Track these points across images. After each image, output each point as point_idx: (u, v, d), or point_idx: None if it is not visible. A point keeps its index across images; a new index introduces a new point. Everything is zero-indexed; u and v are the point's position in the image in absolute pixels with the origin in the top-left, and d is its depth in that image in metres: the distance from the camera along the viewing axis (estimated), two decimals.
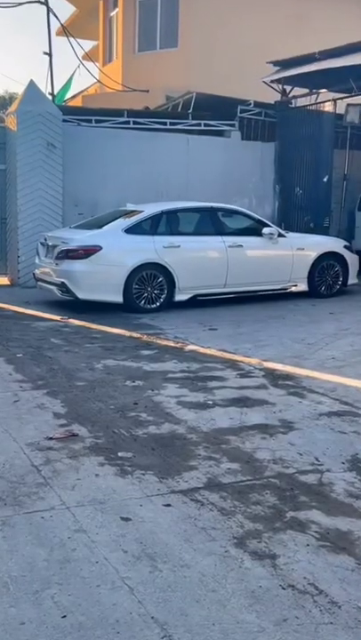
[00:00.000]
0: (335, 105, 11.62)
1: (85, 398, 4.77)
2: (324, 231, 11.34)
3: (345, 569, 2.61)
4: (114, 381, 5.23)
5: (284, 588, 2.48)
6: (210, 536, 2.83)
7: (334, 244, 9.75)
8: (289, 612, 2.34)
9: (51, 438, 3.94)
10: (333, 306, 8.78)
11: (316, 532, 2.89)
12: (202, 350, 6.32)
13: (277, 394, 4.93)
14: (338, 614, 2.34)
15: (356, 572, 2.59)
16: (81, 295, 8.06)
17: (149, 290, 8.29)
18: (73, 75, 17.32)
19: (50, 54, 12.64)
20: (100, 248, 8.05)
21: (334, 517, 3.01)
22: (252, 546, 2.76)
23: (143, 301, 8.28)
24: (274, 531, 2.89)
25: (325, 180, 11.68)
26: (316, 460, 3.67)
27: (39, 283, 8.84)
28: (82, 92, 18.47)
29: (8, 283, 10.88)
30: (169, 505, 3.11)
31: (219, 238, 8.78)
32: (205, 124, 12.21)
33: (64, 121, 10.85)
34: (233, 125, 12.38)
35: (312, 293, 9.32)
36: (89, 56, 16.46)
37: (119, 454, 3.71)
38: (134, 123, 11.73)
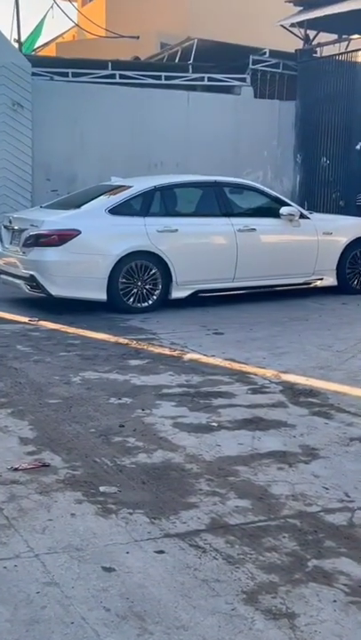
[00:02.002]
0: None
1: (59, 420, 4.78)
2: (357, 211, 11.38)
3: None
4: (95, 398, 5.23)
5: None
6: (213, 590, 2.84)
7: None
8: None
9: (16, 469, 3.95)
10: None
11: (344, 584, 2.89)
12: (204, 359, 6.33)
13: (298, 414, 4.93)
14: None
15: None
16: (54, 291, 8.09)
17: (140, 285, 8.32)
18: (44, 17, 17.37)
19: None
20: (79, 232, 8.07)
21: None
22: (266, 602, 2.77)
23: (132, 299, 8.31)
24: (293, 583, 2.90)
25: (359, 147, 11.72)
26: (346, 495, 3.68)
27: (2, 276, 8.87)
28: (56, 38, 18.56)
29: None
30: (162, 552, 3.11)
31: (226, 220, 8.81)
32: (210, 79, 12.28)
33: (33, 74, 10.91)
34: (244, 80, 12.46)
35: (342, 289, 9.35)
36: None
37: (101, 489, 3.71)
38: (121, 77, 11.78)
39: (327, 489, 3.75)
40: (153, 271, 8.37)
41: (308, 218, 9.28)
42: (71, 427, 4.64)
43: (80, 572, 2.96)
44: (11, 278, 8.64)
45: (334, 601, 2.79)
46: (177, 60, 13.26)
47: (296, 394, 5.37)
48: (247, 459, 4.14)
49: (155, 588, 2.86)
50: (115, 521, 3.39)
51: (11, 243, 8.65)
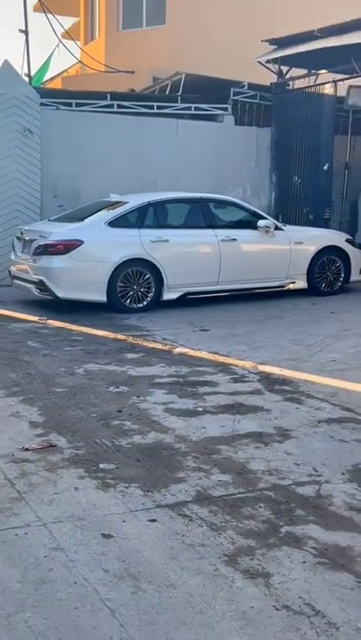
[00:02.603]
0: (336, 87, 11.66)
1: (65, 406, 4.78)
2: (324, 224, 11.39)
3: (344, 587, 2.63)
4: (96, 387, 5.23)
5: (278, 609, 2.49)
6: (198, 553, 2.84)
7: (335, 238, 9.80)
8: (283, 635, 2.35)
9: (26, 449, 3.94)
10: (335, 304, 8.83)
11: (313, 548, 2.90)
12: (192, 353, 6.34)
13: (273, 400, 4.95)
14: (336, 636, 2.35)
15: (355, 591, 2.61)
16: (61, 294, 8.06)
17: (135, 288, 8.31)
18: (52, 54, 17.28)
19: (26, 32, 12.64)
20: (82, 242, 8.05)
21: (333, 532, 3.03)
22: (244, 564, 2.78)
23: (129, 300, 8.29)
24: (268, 547, 2.90)
25: (326, 168, 11.72)
26: (315, 470, 3.69)
27: (15, 280, 8.84)
28: (61, 73, 18.46)
29: None
30: (154, 520, 3.12)
31: (210, 232, 8.81)
32: (196, 108, 12.25)
33: (42, 104, 10.85)
34: (226, 109, 12.42)
35: (312, 291, 9.36)
36: (69, 34, 16.48)
37: (101, 466, 3.71)
38: (118, 106, 11.74)
39: (298, 465, 3.76)
40: (147, 276, 8.35)
41: (282, 229, 9.27)
42: (75, 412, 4.64)
43: (82, 539, 2.96)
44: (23, 283, 8.61)
45: (304, 562, 2.80)
46: (167, 92, 13.22)
47: (271, 382, 5.39)
48: (228, 439, 4.15)
49: (148, 551, 2.86)
50: (113, 494, 3.39)
51: (22, 251, 8.61)
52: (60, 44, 15.96)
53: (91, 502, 3.29)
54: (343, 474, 3.65)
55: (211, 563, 2.78)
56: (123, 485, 3.48)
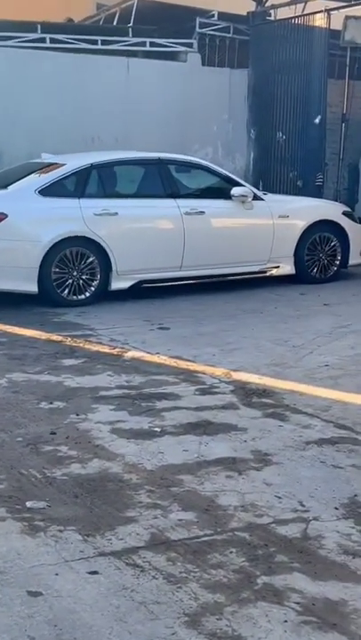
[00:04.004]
0: (329, 18, 11.78)
1: None
2: (316, 192, 11.50)
3: None
4: (23, 403, 5.20)
5: None
6: (152, 613, 2.85)
7: (330, 210, 9.91)
8: None
9: None
10: (329, 294, 8.92)
11: (297, 603, 2.93)
12: (148, 358, 6.34)
13: (250, 416, 4.97)
14: None
15: None
16: None
17: (76, 275, 8.29)
18: None
19: None
20: (5, 216, 8.01)
21: (323, 583, 3.06)
22: (210, 625, 2.79)
23: (67, 291, 8.28)
24: (240, 603, 2.92)
25: (317, 121, 11.82)
26: (301, 504, 3.72)
27: None
28: None
29: None
30: (95, 572, 3.12)
31: (172, 202, 8.83)
32: (152, 44, 12.26)
33: None
34: (190, 45, 12.46)
35: (300, 277, 9.44)
36: None
37: (27, 504, 3.70)
38: (52, 41, 11.68)
39: (280, 498, 3.79)
40: (90, 259, 8.33)
41: (263, 199, 9.33)
42: None
43: (2, 598, 2.94)
44: None
45: (285, 621, 2.82)
46: (115, 23, 13.20)
47: (248, 394, 5.42)
48: (193, 467, 4.16)
49: (86, 612, 2.86)
50: (43, 539, 3.38)
51: None
52: None
53: (14, 551, 3.28)
54: (336, 508, 3.69)
55: (167, 625, 2.79)
56: (56, 529, 3.47)
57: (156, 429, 4.73)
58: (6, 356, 6.41)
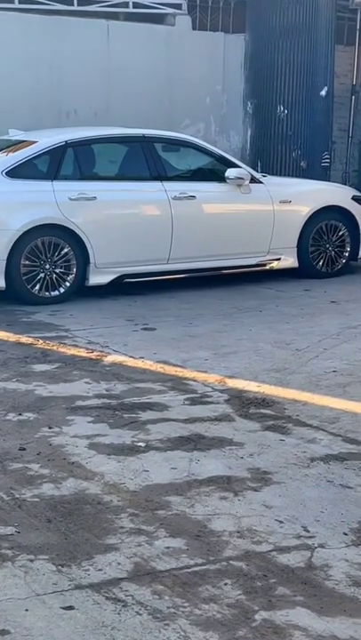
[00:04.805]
0: None
1: None
2: (322, 174, 11.53)
3: None
4: None
5: None
6: None
7: (338, 195, 9.96)
8: None
9: None
10: (337, 291, 8.95)
11: None
12: (130, 363, 6.34)
13: (247, 429, 4.97)
14: None
15: None
16: None
17: (48, 268, 8.30)
18: None
19: None
20: None
21: (330, 619, 3.06)
22: None
23: (38, 286, 8.29)
24: None
25: (324, 93, 11.86)
26: (305, 529, 3.72)
27: None
28: None
29: None
30: (71, 608, 3.11)
31: (158, 185, 8.85)
32: (135, 5, 12.26)
33: None
34: (179, 6, 12.47)
35: (304, 271, 9.48)
36: None
37: None
38: (22, 1, 11.66)
39: (281, 522, 3.79)
40: (65, 250, 8.35)
41: (262, 182, 9.36)
42: None
43: None
44: None
45: None
46: None
47: (245, 404, 5.42)
48: (182, 487, 4.15)
49: None
50: (10, 570, 3.36)
51: None
52: None
53: None
54: (346, 534, 3.69)
55: None
56: (25, 558, 3.45)
57: (140, 444, 4.71)
58: None
